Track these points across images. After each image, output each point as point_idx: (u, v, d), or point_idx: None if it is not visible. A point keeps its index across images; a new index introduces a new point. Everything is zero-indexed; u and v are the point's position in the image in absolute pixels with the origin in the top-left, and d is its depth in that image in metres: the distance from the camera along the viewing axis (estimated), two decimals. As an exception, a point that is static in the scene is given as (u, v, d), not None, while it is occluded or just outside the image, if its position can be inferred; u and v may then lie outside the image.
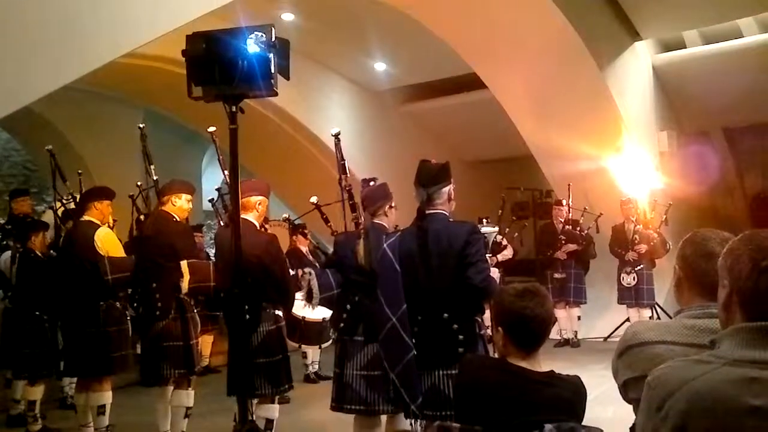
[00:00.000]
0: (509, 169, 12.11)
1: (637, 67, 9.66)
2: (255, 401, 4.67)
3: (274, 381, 4.61)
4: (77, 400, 5.30)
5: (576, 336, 9.52)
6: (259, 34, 3.53)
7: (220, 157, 4.84)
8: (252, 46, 3.51)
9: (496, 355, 2.62)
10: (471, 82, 10.10)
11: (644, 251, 8.93)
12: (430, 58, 10.05)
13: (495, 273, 3.77)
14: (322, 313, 7.05)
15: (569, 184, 9.40)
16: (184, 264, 4.87)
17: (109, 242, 5.25)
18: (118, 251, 5.28)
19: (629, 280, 9.04)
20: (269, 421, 4.74)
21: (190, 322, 5.00)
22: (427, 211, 3.64)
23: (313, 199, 5.60)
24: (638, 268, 8.96)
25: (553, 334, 9.78)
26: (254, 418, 4.65)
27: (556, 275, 9.47)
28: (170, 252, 4.90)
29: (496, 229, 4.89)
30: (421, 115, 11.97)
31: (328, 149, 11.07)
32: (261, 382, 4.55)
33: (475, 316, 3.59)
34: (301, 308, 6.95)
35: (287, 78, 3.69)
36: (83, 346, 5.18)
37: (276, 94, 3.69)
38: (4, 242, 6.34)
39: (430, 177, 3.67)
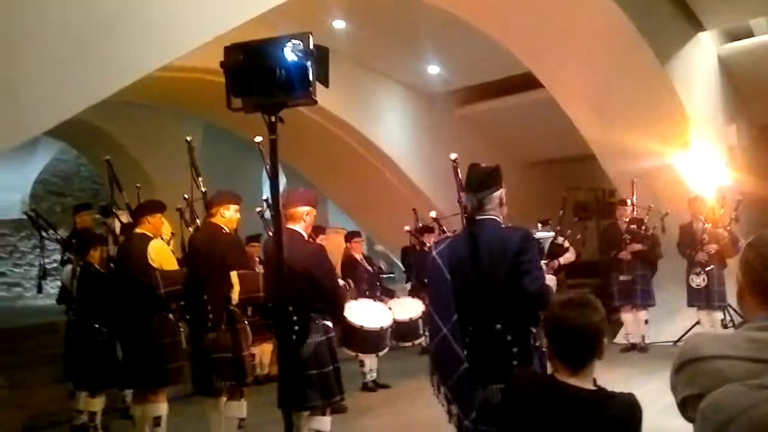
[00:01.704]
0: (570, 168, 11.81)
1: (701, 58, 9.24)
2: (306, 413, 4.61)
3: (325, 392, 4.53)
4: (134, 412, 5.36)
5: (644, 340, 9.16)
6: (297, 42, 3.45)
7: (267, 167, 4.77)
8: (289, 54, 3.44)
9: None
10: (527, 82, 9.86)
11: (714, 251, 8.50)
12: (484, 59, 9.86)
13: (551, 281, 3.58)
14: (379, 321, 7.00)
15: (633, 182, 9.05)
16: (234, 275, 4.86)
17: (161, 255, 5.30)
18: (171, 264, 5.32)
19: (699, 281, 8.63)
20: (321, 434, 4.66)
21: (241, 333, 4.99)
22: (478, 217, 3.48)
23: (433, 214, 5.59)
24: (708, 268, 8.53)
25: (620, 338, 9.46)
26: (306, 431, 4.60)
27: (622, 277, 9.13)
28: (220, 263, 4.90)
29: (552, 234, 4.71)
30: (477, 118, 11.78)
31: (382, 154, 11.05)
32: (312, 394, 4.48)
33: (529, 327, 3.40)
34: (355, 315, 6.95)
35: (326, 85, 3.61)
36: (139, 358, 5.24)
37: (315, 102, 3.61)
38: (67, 256, 6.46)
39: (480, 181, 3.51)
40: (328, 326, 4.63)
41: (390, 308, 7.24)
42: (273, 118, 3.56)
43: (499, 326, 3.33)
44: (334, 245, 8.62)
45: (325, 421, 4.67)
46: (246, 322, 5.13)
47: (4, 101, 4.51)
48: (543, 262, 3.74)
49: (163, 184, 10.63)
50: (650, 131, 9.04)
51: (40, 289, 6.15)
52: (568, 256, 9.18)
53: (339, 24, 9.03)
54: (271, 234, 5.63)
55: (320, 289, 4.54)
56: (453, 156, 4.48)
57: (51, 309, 8.89)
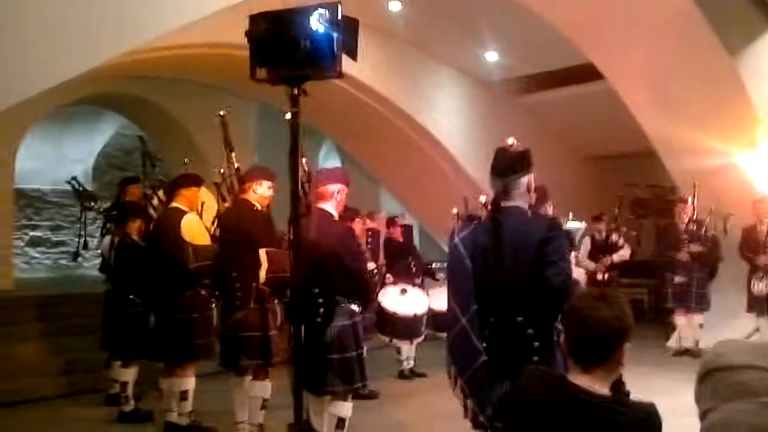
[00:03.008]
0: (630, 164, 11.41)
1: (775, 53, 8.67)
2: (328, 398, 4.49)
3: (347, 378, 4.42)
4: (162, 385, 5.37)
5: (697, 345, 8.73)
6: (323, 11, 3.30)
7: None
8: (315, 24, 3.30)
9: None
10: (589, 73, 9.46)
11: (778, 256, 8.03)
12: (545, 48, 9.52)
13: (579, 274, 3.38)
14: (414, 307, 6.85)
15: (695, 185, 8.63)
16: (262, 252, 4.79)
17: (193, 229, 5.27)
18: (203, 239, 5.28)
19: (761, 287, 8.21)
20: (341, 420, 4.52)
21: (269, 312, 4.92)
22: (503, 204, 3.30)
23: (482, 199, 5.41)
24: (771, 273, 8.08)
25: (672, 343, 9.07)
26: (326, 415, 4.48)
27: (677, 278, 8.78)
28: (249, 241, 4.83)
29: (583, 225, 4.44)
30: (537, 108, 11.45)
31: (436, 141, 10.83)
32: (332, 379, 4.38)
33: (552, 322, 3.22)
34: (389, 300, 6.79)
35: (354, 58, 3.46)
36: (168, 331, 5.26)
37: (341, 76, 3.47)
38: (107, 227, 6.51)
39: (507, 165, 3.32)
40: (353, 311, 4.50)
41: (428, 295, 7.06)
42: (296, 90, 3.43)
43: (520, 319, 3.18)
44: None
45: (346, 407, 4.54)
46: (276, 301, 5.03)
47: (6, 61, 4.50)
48: (573, 254, 3.51)
49: (217, 161, 10.70)
50: (715, 128, 8.57)
51: (75, 257, 6.21)
52: (623, 254, 8.88)
53: (395, 6, 8.82)
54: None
55: (347, 272, 4.42)
56: (510, 141, 4.25)
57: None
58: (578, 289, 3.12)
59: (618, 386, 2.19)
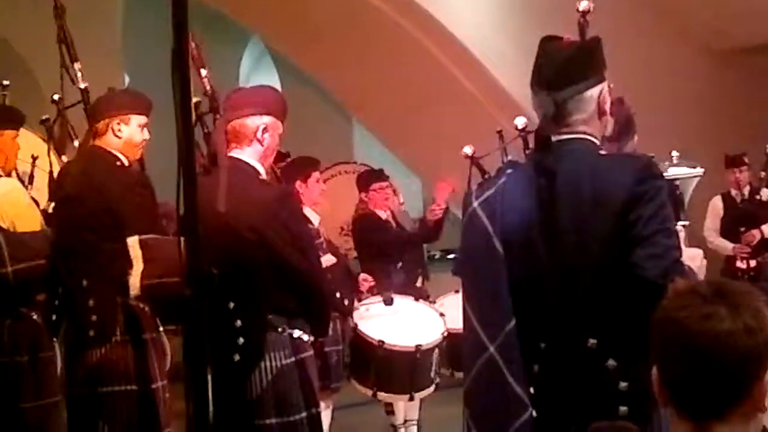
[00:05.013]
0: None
1: None
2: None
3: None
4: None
5: None
6: None
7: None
8: None
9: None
10: None
11: None
12: None
13: (695, 260, 3.34)
14: (418, 336, 6.82)
15: None
16: (134, 243, 4.73)
17: (15, 205, 5.33)
18: (31, 220, 5.34)
19: None
20: None
21: (150, 348, 4.91)
22: (556, 138, 3.30)
23: (519, 122, 5.51)
24: None
25: None
26: None
27: None
28: (110, 222, 4.81)
29: (699, 170, 4.39)
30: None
31: (446, 35, 10.79)
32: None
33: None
34: (374, 323, 6.75)
35: None
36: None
37: None
38: None
39: (560, 68, 3.30)
40: (300, 341, 4.53)
41: (442, 314, 7.05)
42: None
43: (593, 341, 3.23)
44: (344, 194, 8.45)
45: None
46: (161, 329, 5.05)
47: None
48: (681, 224, 3.46)
49: (55, 79, 10.68)
50: None
51: None
52: (776, 227, 8.89)
53: None
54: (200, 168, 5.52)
55: (286, 272, 4.44)
56: (583, 5, 4.15)
57: None
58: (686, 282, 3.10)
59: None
